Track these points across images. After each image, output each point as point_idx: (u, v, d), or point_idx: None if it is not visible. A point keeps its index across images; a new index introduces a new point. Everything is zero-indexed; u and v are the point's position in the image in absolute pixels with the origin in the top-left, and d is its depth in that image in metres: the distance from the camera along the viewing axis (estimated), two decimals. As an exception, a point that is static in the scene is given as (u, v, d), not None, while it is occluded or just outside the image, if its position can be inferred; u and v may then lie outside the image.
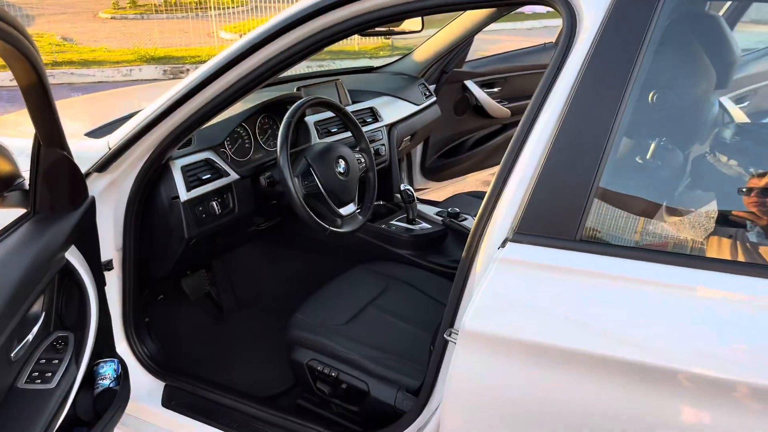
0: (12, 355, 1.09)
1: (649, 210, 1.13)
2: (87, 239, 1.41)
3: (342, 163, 1.82)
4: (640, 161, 1.21)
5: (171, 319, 2.14)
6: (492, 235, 1.12)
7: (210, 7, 11.13)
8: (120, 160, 1.54)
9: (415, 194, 3.11)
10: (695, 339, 0.92)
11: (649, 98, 1.15)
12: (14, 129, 2.09)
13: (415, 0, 1.19)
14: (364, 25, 1.28)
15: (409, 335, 1.69)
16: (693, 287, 0.94)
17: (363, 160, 1.95)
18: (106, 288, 1.59)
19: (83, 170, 1.56)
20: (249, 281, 2.39)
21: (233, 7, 11.72)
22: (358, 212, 1.89)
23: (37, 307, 1.22)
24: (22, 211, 1.30)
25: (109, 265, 1.61)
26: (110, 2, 16.09)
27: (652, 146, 1.21)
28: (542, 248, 1.03)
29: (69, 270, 1.32)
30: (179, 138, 1.53)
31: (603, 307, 0.99)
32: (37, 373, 1.14)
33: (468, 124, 3.28)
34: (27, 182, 1.30)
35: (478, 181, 4.44)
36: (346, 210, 1.83)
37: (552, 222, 1.04)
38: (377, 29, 2.08)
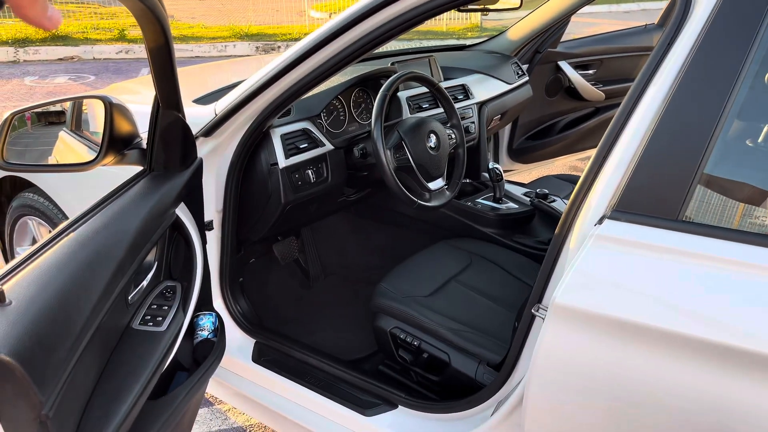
0: (129, 298, 1.19)
1: (758, 196, 1.09)
2: (194, 198, 1.51)
3: (433, 137, 1.84)
4: (751, 145, 1.16)
5: (262, 281, 2.25)
6: (588, 213, 1.11)
7: (302, -14, 11.32)
8: (225, 126, 1.62)
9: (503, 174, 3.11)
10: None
11: (766, 80, 1.10)
12: (129, 94, 2.23)
13: None
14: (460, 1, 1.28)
15: (491, 311, 1.70)
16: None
17: (454, 135, 1.96)
18: (208, 246, 1.69)
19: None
20: (335, 250, 2.46)
21: (325, -14, 11.88)
22: (446, 188, 1.91)
23: (150, 257, 1.32)
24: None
25: (209, 226, 1.70)
26: (208, -20, 16.64)
27: (765, 130, 1.16)
28: (641, 227, 1.02)
29: (178, 225, 1.42)
30: (279, 108, 1.59)
31: (700, 289, 0.97)
32: (149, 317, 1.24)
33: (559, 106, 3.21)
34: (144, 142, 1.40)
35: (567, 165, 4.34)
36: (435, 185, 1.85)
37: (653, 201, 1.02)
38: (474, 6, 2.07)
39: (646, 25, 3.22)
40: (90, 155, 1.39)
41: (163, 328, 1.22)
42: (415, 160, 1.78)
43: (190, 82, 2.17)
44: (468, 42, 2.97)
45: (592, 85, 3.11)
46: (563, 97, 3.17)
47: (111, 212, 1.19)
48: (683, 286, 0.98)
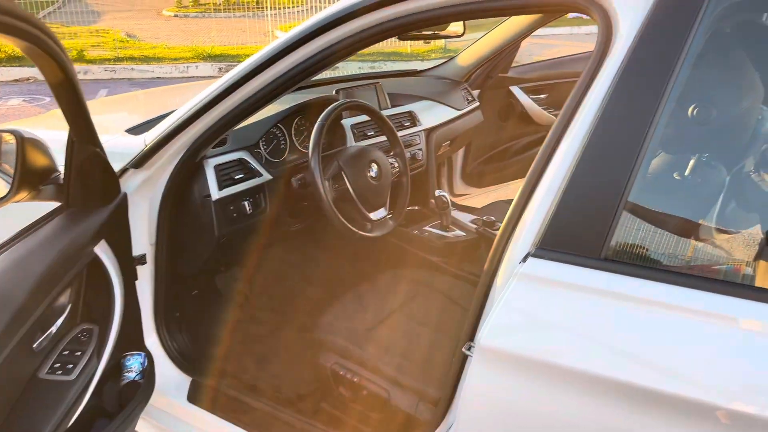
0: (35, 345, 1.12)
1: (682, 230, 1.08)
2: (117, 234, 1.44)
3: (374, 167, 1.81)
4: (677, 177, 1.16)
5: (204, 314, 2.17)
6: (515, 249, 1.09)
7: (267, 7, 11.31)
8: (155, 157, 1.57)
9: (453, 200, 3.09)
10: (726, 372, 0.87)
11: (689, 112, 1.09)
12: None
13: (457, 4, 1.17)
14: (404, 27, 1.26)
15: (434, 344, 1.66)
16: (728, 315, 0.88)
17: (397, 164, 1.93)
18: (138, 282, 1.62)
19: (121, 166, 1.60)
20: (280, 282, 2.40)
21: (291, 7, 11.90)
22: (389, 217, 1.88)
23: (64, 299, 1.25)
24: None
25: (142, 260, 1.64)
26: (174, 1, 16.58)
27: (691, 162, 1.15)
28: (564, 265, 1.00)
29: (97, 264, 1.35)
30: (212, 138, 1.54)
31: (624, 330, 0.95)
32: (59, 365, 1.17)
33: (512, 131, 3.22)
34: (62, 176, 1.34)
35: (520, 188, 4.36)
36: (377, 215, 1.82)
37: (576, 238, 1.00)
38: (417, 33, 2.06)
39: (596, 50, 3.26)
40: (2, 191, 1.32)
41: (73, 376, 1.15)
42: (355, 190, 1.74)
43: (129, 110, 2.11)
44: (429, 65, 2.97)
45: (545, 109, 3.13)
46: (516, 122, 3.18)
47: (17, 253, 1.13)
48: (602, 327, 0.95)
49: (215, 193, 1.65)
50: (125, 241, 1.50)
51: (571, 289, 0.98)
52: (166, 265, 1.69)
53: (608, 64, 1.01)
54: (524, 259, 1.04)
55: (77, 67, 8.56)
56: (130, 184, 1.60)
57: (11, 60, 8.77)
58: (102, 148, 1.33)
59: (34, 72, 8.43)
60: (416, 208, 2.33)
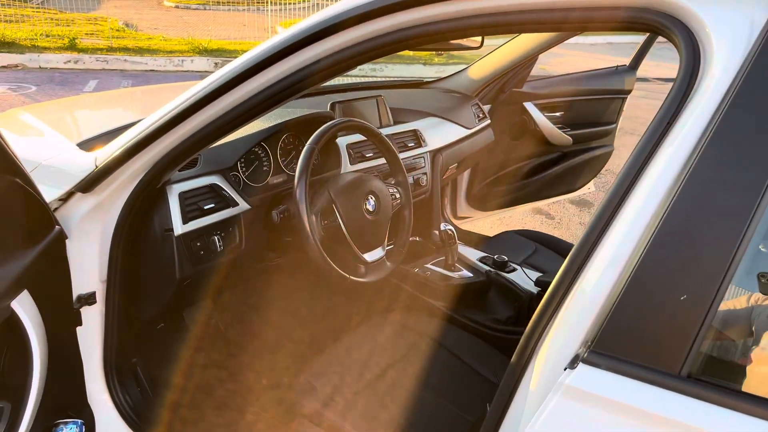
0: None
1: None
2: (47, 280, 1.16)
3: (372, 199, 1.53)
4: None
5: (166, 354, 1.89)
6: (556, 343, 0.81)
7: (268, 2, 11.00)
8: (108, 180, 1.30)
9: (456, 223, 2.81)
10: None
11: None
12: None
13: (500, 12, 0.90)
14: (424, 38, 0.99)
15: (434, 411, 1.40)
16: None
17: (398, 195, 1.65)
18: (83, 328, 1.35)
19: (65, 189, 1.33)
20: (259, 319, 2.12)
21: (294, 3, 11.60)
22: (387, 258, 1.60)
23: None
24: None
25: (91, 299, 1.36)
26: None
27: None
28: (631, 381, 0.72)
29: (14, 323, 1.07)
30: (178, 159, 1.27)
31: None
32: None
33: (523, 150, 2.94)
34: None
35: (528, 212, 4.10)
36: (373, 255, 1.54)
37: (648, 342, 0.73)
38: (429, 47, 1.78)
39: (617, 66, 3.00)
40: None
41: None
42: (349, 227, 1.47)
43: (88, 116, 1.82)
44: (433, 70, 2.70)
45: (559, 128, 2.86)
46: (528, 141, 2.90)
47: None
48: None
49: (178, 227, 1.37)
50: (61, 286, 1.22)
51: (641, 417, 0.71)
52: (119, 306, 1.41)
53: (696, 104, 0.74)
54: (572, 364, 0.77)
55: (68, 55, 8.26)
56: (75, 210, 1.32)
57: (0, 45, 8.45)
58: (25, 176, 1.05)
59: (23, 59, 8.12)
60: (417, 239, 2.05)
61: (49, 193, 1.33)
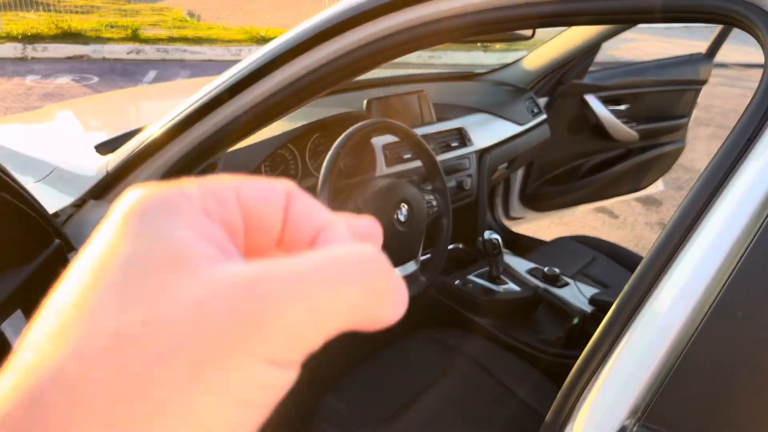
0: None
1: None
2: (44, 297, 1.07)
3: (404, 208, 1.38)
4: None
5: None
6: (598, 405, 0.66)
7: (328, -10, 10.94)
8: (119, 188, 1.21)
9: (507, 224, 2.63)
10: None
11: None
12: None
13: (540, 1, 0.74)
14: (455, 32, 0.85)
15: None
16: None
17: (435, 203, 1.50)
18: None
19: (78, 194, 1.25)
20: None
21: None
22: (420, 272, 1.46)
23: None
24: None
25: None
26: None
27: None
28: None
29: (3, 346, 0.99)
30: (193, 165, 1.16)
31: None
32: None
33: (584, 147, 2.73)
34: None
35: (590, 210, 3.84)
36: (404, 270, 1.40)
37: (731, 422, 0.57)
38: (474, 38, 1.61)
39: (691, 55, 2.72)
40: None
41: None
42: None
43: (120, 114, 1.75)
44: (493, 57, 2.51)
45: (624, 123, 2.63)
46: (589, 136, 2.69)
47: None
48: None
49: (191, 239, 1.26)
50: None
51: None
52: None
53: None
54: (621, 437, 0.61)
55: (130, 46, 8.43)
56: (90, 218, 1.24)
57: (66, 37, 8.70)
58: (19, 189, 0.96)
59: (88, 50, 8.33)
60: (460, 246, 1.89)
61: (63, 199, 1.26)
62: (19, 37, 8.40)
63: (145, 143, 1.17)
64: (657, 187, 3.01)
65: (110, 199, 1.23)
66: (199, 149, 1.13)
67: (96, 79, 7.09)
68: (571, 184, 2.72)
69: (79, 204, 1.27)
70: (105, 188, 1.23)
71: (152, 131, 1.17)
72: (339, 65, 0.95)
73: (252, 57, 1.03)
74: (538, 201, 2.74)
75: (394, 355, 1.51)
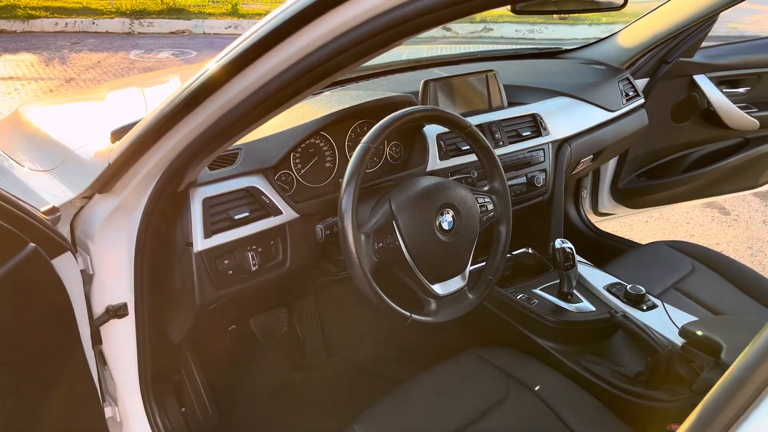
0: None
1: None
2: (18, 309, 0.96)
3: (448, 214, 1.16)
4: None
5: (235, 361, 1.69)
6: None
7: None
8: (123, 181, 1.08)
9: (597, 221, 2.33)
10: None
11: None
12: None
13: None
14: None
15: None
16: None
17: (491, 206, 1.26)
18: (113, 345, 1.17)
19: (85, 186, 1.13)
20: (339, 328, 1.84)
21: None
22: (469, 289, 1.23)
23: None
24: None
25: (122, 310, 1.17)
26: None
27: None
28: None
29: None
30: (201, 154, 1.00)
31: None
32: None
33: (691, 135, 2.36)
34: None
35: (697, 205, 3.40)
36: (447, 287, 1.18)
37: None
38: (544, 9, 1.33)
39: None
40: None
41: None
42: (413, 250, 1.12)
43: (146, 96, 1.63)
44: (599, 30, 2.18)
45: (742, 108, 2.24)
46: (697, 123, 2.32)
47: None
48: None
49: (199, 241, 1.11)
50: (45, 311, 1.02)
51: None
52: (149, 322, 1.21)
53: None
54: None
55: (229, 21, 8.54)
56: (97, 211, 1.13)
57: (171, 12, 8.96)
58: None
59: (189, 25, 8.54)
60: (529, 251, 1.64)
61: (73, 190, 1.16)
62: (128, 12, 8.75)
63: (142, 131, 1.02)
64: (778, 184, 2.59)
65: (117, 192, 1.10)
66: (205, 136, 0.96)
67: (194, 53, 7.24)
68: (673, 179, 2.37)
69: (88, 196, 1.16)
70: (107, 182, 1.10)
71: (151, 117, 1.01)
72: (366, 32, 0.70)
73: (257, 25, 0.82)
74: (632, 196, 2.41)
75: (440, 378, 1.31)
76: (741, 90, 2.26)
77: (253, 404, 1.64)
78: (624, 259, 1.78)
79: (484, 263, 1.31)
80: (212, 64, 0.89)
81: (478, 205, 1.23)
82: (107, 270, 1.17)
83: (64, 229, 1.18)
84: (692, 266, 1.73)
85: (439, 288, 1.17)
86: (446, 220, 1.15)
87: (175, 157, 1.02)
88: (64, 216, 1.15)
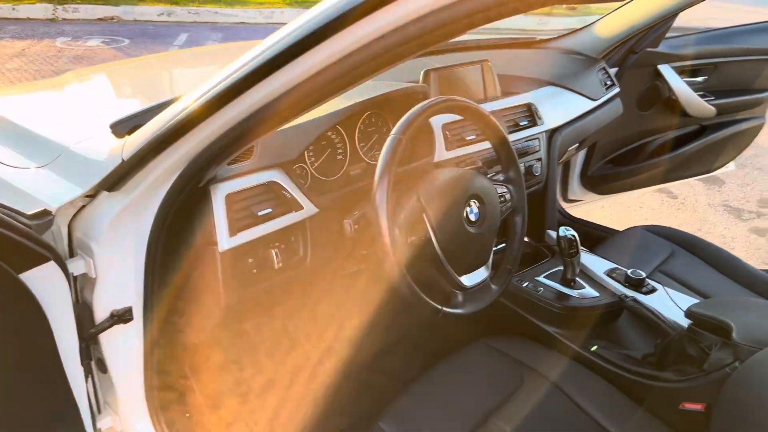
0: None
1: None
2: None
3: (474, 205, 1.16)
4: None
5: (248, 357, 1.62)
6: None
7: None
8: (137, 178, 1.01)
9: (566, 207, 2.39)
10: None
11: None
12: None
13: None
14: None
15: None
16: None
17: (508, 196, 1.27)
18: (117, 351, 1.10)
19: (89, 184, 1.06)
20: (338, 317, 1.81)
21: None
22: (492, 280, 1.24)
23: None
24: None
25: (126, 315, 1.10)
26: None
27: None
28: None
29: None
30: (227, 151, 0.95)
31: None
32: None
33: (653, 123, 2.46)
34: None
35: (646, 191, 3.54)
36: (473, 278, 1.18)
37: None
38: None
39: (781, 20, 2.41)
40: None
41: None
42: (443, 243, 1.11)
43: (139, 84, 1.55)
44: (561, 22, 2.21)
45: (701, 96, 2.34)
46: (660, 111, 2.41)
47: None
48: None
49: (224, 240, 1.06)
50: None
51: None
52: (158, 327, 1.14)
53: None
54: None
55: (161, 8, 8.21)
56: (103, 212, 1.06)
57: (97, -3, 8.51)
58: None
59: (118, 11, 8.13)
60: (526, 240, 1.66)
61: (72, 189, 1.07)
62: (50, -3, 8.25)
63: (169, 125, 0.96)
64: (728, 168, 2.73)
65: (128, 191, 1.03)
66: (233, 134, 0.92)
67: (126, 41, 6.90)
68: (639, 165, 2.46)
69: (91, 194, 1.08)
70: (119, 179, 1.02)
71: (178, 110, 0.95)
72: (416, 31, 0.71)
73: (305, 16, 0.80)
74: (600, 183, 2.49)
75: (453, 370, 1.31)
76: (699, 79, 2.36)
77: (264, 403, 1.60)
78: (607, 244, 1.83)
79: (500, 256, 1.31)
80: (254, 56, 0.85)
81: (498, 195, 1.23)
82: (113, 273, 1.10)
83: (60, 231, 1.10)
84: (671, 250, 1.80)
85: (465, 280, 1.16)
86: (473, 211, 1.15)
87: (201, 152, 0.97)
88: (61, 217, 1.07)
